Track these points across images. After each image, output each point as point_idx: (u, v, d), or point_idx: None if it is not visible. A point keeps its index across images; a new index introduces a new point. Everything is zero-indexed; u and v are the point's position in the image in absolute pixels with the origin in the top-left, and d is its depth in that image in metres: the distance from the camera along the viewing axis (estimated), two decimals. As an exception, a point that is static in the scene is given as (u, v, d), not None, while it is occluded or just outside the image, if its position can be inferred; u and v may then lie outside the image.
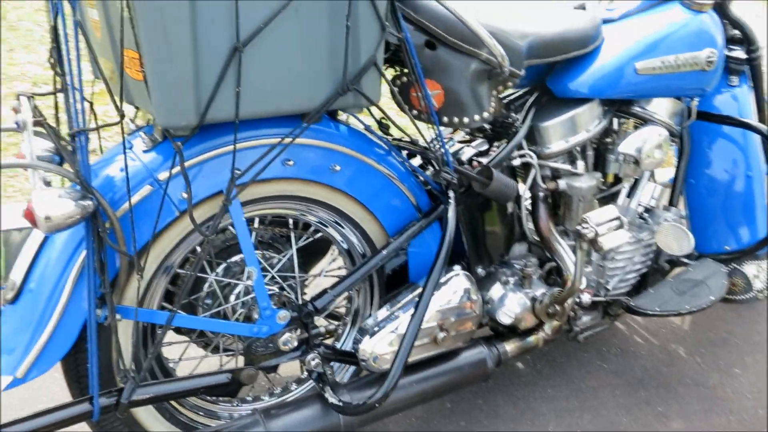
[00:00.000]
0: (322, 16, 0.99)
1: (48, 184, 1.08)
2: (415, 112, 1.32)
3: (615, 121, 1.71)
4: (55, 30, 0.99)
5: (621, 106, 1.69)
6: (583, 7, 1.80)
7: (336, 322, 1.57)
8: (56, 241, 1.07)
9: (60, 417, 1.07)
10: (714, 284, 1.78)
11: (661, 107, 1.72)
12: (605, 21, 1.68)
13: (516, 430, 1.65)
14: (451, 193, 1.32)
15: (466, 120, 1.31)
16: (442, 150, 1.31)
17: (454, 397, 1.73)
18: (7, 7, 4.34)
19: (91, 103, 1.14)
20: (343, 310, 1.56)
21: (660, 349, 2.01)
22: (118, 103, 0.98)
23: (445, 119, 1.31)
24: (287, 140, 1.08)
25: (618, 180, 1.77)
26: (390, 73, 1.37)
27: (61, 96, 1.04)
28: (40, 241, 1.08)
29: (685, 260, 1.91)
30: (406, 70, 1.29)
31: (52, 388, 1.62)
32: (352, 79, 1.05)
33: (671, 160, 2.00)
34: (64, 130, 1.04)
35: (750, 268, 1.99)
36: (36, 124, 1.04)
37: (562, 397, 1.77)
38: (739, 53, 1.97)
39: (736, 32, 1.93)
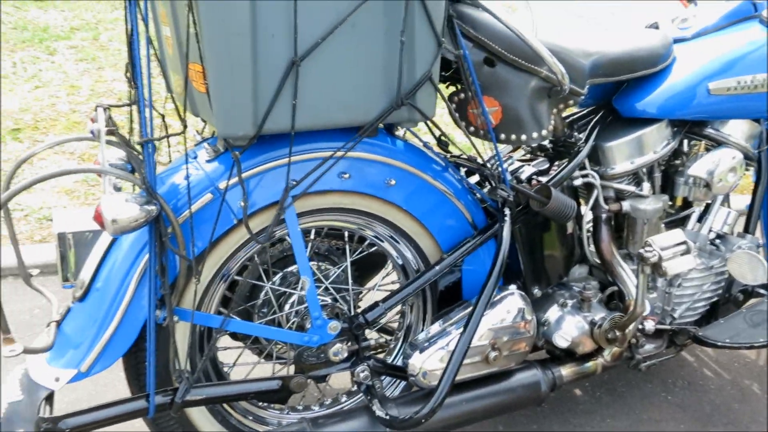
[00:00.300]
0: (378, 31, 1.01)
1: (118, 189, 1.15)
2: (472, 128, 1.32)
3: (685, 142, 1.64)
4: (130, 45, 1.06)
5: (693, 127, 1.62)
6: (656, 26, 1.75)
7: (388, 337, 1.58)
8: (122, 243, 1.12)
9: (117, 412, 1.12)
10: (792, 317, 1.67)
11: (737, 129, 1.64)
12: (678, 40, 1.63)
13: (571, 460, 1.59)
14: (507, 211, 1.30)
15: (524, 137, 1.29)
16: (499, 167, 1.30)
17: (508, 420, 1.69)
18: (98, 29, 4.64)
19: (163, 116, 1.21)
20: (395, 325, 1.56)
21: (731, 384, 1.90)
22: (182, 115, 1.04)
23: (503, 136, 1.30)
24: (341, 153, 1.10)
25: (688, 204, 1.70)
26: (449, 89, 1.38)
27: (135, 108, 1.10)
28: (107, 243, 1.14)
29: (762, 291, 1.80)
30: (464, 87, 1.29)
31: (118, 387, 1.69)
32: (406, 93, 1.07)
33: (749, 186, 1.90)
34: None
35: (835, 302, 1.85)
36: (109, 133, 1.11)
37: (622, 427, 1.70)
38: (826, 74, 1.85)
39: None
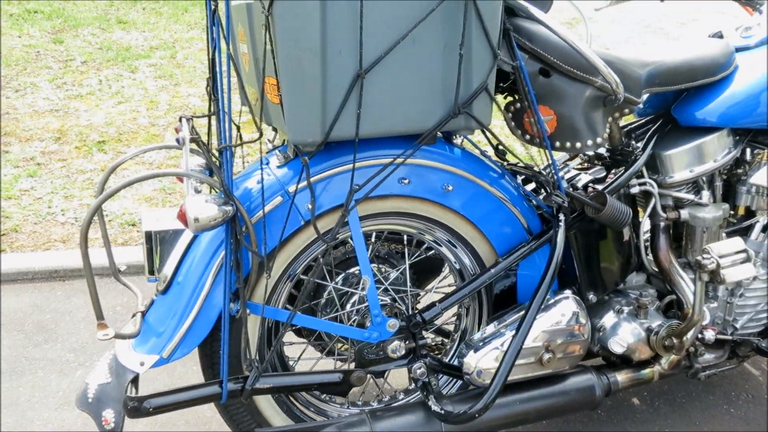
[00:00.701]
0: (437, 45, 1.08)
1: (198, 192, 1.26)
2: (528, 137, 1.36)
3: (748, 151, 1.63)
4: (212, 62, 1.17)
5: (757, 135, 1.61)
6: (720, 35, 1.75)
7: (445, 339, 1.63)
8: (201, 241, 1.23)
9: (195, 395, 1.22)
10: None
11: (805, 139, 1.62)
12: (740, 49, 1.62)
13: (627, 467, 1.59)
14: (561, 217, 1.34)
15: (578, 145, 1.33)
16: (554, 174, 1.34)
17: (564, 426, 1.71)
18: (175, 48, 4.93)
19: (238, 126, 1.32)
20: (452, 328, 1.61)
21: (800, 399, 1.84)
22: (258, 123, 1.14)
23: (558, 144, 1.34)
24: (401, 159, 1.17)
25: (752, 213, 1.67)
26: (507, 99, 1.43)
27: (214, 119, 1.22)
28: (188, 242, 1.25)
29: (832, 304, 1.75)
30: (520, 97, 1.34)
31: (191, 380, 1.82)
32: (463, 102, 1.13)
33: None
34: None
35: None
36: (192, 141, 1.22)
37: (682, 438, 1.69)
38: None
39: None
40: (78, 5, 5.63)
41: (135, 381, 1.23)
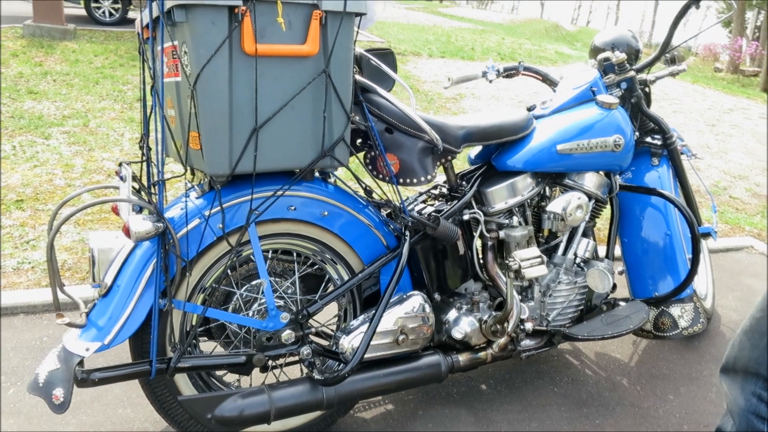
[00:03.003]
0: (309, 109, 1.58)
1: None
2: (381, 176, 1.88)
3: (548, 189, 2.23)
4: (146, 121, 1.61)
5: (556, 178, 2.22)
6: (533, 107, 2.38)
7: (329, 331, 2.06)
8: (136, 254, 1.62)
9: (130, 371, 1.58)
10: (635, 318, 2.21)
11: (590, 180, 2.24)
12: (539, 116, 2.25)
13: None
14: (407, 234, 1.85)
15: (415, 180, 1.86)
16: (401, 203, 1.85)
17: (426, 406, 2.16)
18: (88, 117, 5.23)
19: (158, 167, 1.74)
20: (334, 328, 2.05)
21: (606, 379, 2.40)
22: (183, 165, 1.58)
23: (401, 180, 1.86)
24: (280, 192, 1.64)
25: (555, 235, 2.26)
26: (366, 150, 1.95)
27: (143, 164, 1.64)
28: (125, 256, 1.64)
29: (621, 302, 2.35)
30: (373, 147, 1.86)
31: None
32: (328, 149, 1.63)
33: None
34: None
35: (675, 310, 2.42)
36: (133, 179, 1.64)
37: (515, 410, 2.18)
38: (657, 141, 2.52)
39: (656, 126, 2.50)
40: (-13, 77, 5.82)
41: (81, 364, 1.58)
